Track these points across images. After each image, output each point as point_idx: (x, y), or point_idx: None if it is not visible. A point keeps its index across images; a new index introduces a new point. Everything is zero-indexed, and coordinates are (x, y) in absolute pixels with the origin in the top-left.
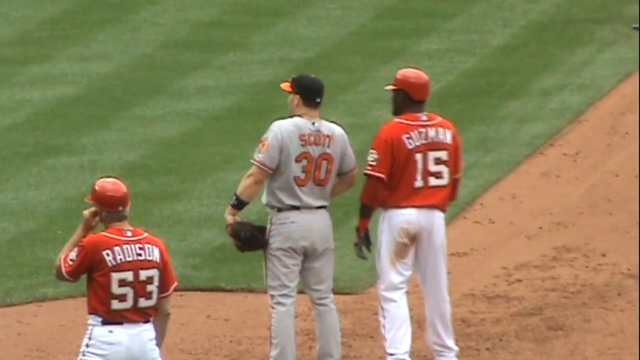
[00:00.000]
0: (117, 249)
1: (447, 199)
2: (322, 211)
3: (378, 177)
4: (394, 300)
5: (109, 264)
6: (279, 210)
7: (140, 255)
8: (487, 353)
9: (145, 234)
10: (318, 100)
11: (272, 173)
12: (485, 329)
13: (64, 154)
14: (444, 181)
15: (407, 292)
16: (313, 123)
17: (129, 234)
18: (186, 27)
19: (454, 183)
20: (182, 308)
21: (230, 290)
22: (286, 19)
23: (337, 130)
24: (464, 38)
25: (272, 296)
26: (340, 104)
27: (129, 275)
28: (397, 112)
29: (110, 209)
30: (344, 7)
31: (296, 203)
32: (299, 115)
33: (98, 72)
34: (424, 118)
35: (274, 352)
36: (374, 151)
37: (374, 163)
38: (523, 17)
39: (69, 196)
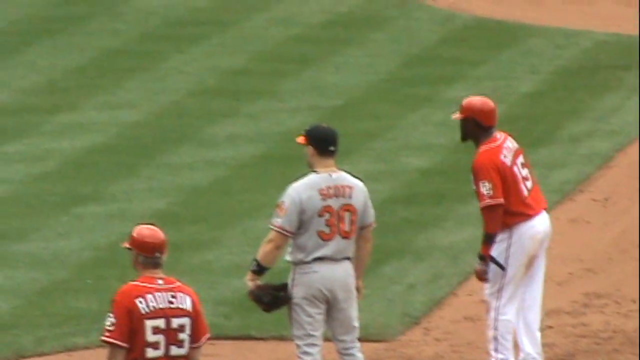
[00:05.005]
0: (149, 296)
1: (544, 197)
2: (346, 262)
3: (499, 204)
4: (509, 314)
5: (142, 312)
6: (303, 262)
7: (172, 302)
8: None
9: (178, 283)
10: (332, 148)
11: (291, 236)
12: None
13: (93, 202)
14: (531, 182)
15: None
16: (330, 175)
17: (161, 282)
18: (215, 75)
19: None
20: (213, 357)
21: (261, 338)
22: (314, 66)
23: (358, 182)
24: (492, 85)
25: (298, 345)
26: (369, 152)
27: (161, 323)
28: (465, 138)
29: (147, 254)
30: (372, 54)
31: (321, 256)
32: (314, 171)
33: (126, 120)
34: (499, 136)
35: None
36: (484, 182)
37: (490, 192)
38: (550, 63)
39: (98, 245)
